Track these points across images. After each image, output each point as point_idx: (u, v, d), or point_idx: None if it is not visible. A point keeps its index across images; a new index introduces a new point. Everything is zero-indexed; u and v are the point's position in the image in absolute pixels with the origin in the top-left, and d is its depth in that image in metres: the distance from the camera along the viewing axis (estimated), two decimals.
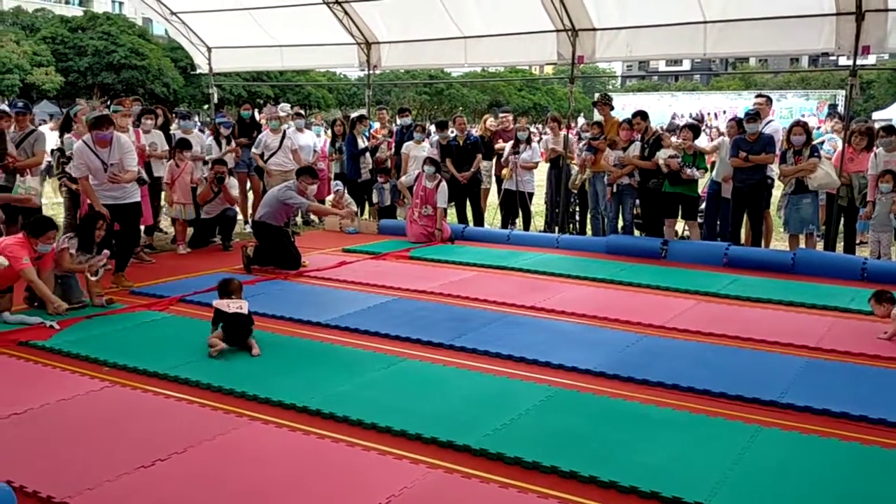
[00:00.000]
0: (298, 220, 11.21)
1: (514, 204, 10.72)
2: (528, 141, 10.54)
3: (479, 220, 10.97)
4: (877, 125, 10.27)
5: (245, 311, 5.35)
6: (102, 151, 6.98)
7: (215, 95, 14.58)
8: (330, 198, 11.11)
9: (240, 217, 10.64)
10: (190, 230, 9.37)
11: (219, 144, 10.25)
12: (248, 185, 11.05)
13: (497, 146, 10.98)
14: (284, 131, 10.63)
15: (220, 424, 3.96)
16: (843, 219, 9.19)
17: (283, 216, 8.45)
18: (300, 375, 4.71)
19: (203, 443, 3.73)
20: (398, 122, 11.86)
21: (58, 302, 5.99)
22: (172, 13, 13.13)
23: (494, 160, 11.08)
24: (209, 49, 13.74)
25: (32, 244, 5.85)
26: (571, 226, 10.87)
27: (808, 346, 5.51)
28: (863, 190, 8.69)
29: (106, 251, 6.51)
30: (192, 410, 4.17)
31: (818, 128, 11.23)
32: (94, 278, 6.31)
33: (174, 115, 11.52)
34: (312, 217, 11.35)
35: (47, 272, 6.09)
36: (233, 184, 9.35)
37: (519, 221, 10.89)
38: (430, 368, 4.94)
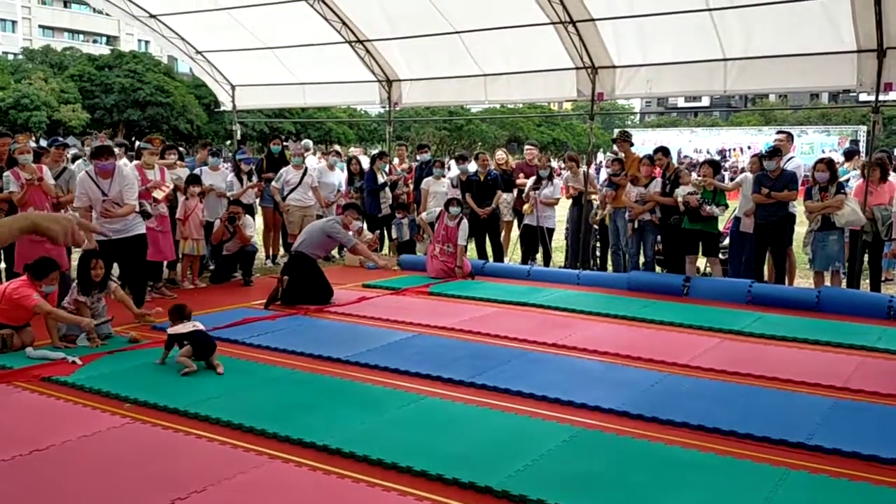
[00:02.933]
0: None
1: (535, 240, 10.72)
2: (550, 178, 10.56)
3: (498, 256, 10.96)
4: None
5: (201, 327, 5.66)
6: (104, 182, 7.06)
7: (238, 132, 14.80)
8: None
9: (261, 254, 10.72)
10: (208, 266, 9.44)
11: (240, 181, 10.35)
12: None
13: (518, 181, 11.01)
14: (306, 168, 10.73)
15: (241, 463, 3.94)
16: (868, 255, 9.09)
17: (323, 250, 8.51)
18: (321, 413, 4.68)
19: (223, 481, 3.70)
20: (417, 158, 11.95)
21: (84, 320, 6.07)
22: (198, 52, 13.40)
23: (515, 193, 11.11)
24: (233, 87, 13.99)
25: (37, 286, 5.93)
26: (592, 262, 10.84)
27: (835, 386, 5.41)
28: (886, 222, 8.60)
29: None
30: (212, 448, 4.15)
31: (841, 164, 11.13)
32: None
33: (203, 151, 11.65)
34: (333, 252, 11.40)
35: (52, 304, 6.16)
36: (248, 223, 9.40)
37: (539, 257, 10.87)
38: (450, 407, 4.89)
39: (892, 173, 9.58)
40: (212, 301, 8.20)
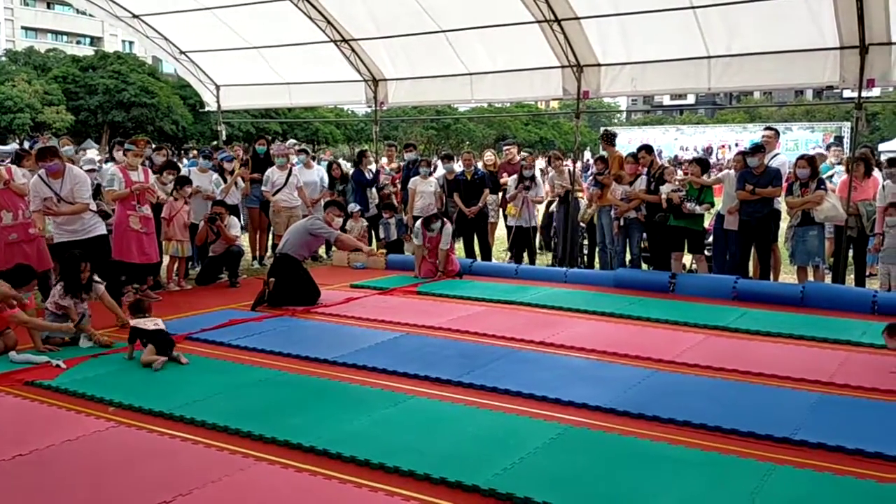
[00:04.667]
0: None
1: (521, 240, 10.71)
2: (533, 178, 10.54)
3: (486, 255, 10.96)
4: (883, 157, 10.28)
5: (162, 326, 5.85)
6: (55, 183, 7.05)
7: (224, 133, 14.73)
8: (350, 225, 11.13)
9: (247, 254, 10.68)
10: (194, 267, 9.39)
11: (224, 181, 10.32)
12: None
13: (502, 181, 11.02)
14: (291, 168, 10.70)
15: (227, 465, 3.92)
16: (852, 250, 9.15)
17: (308, 249, 8.49)
18: (308, 414, 4.66)
19: (208, 484, 3.68)
20: (404, 157, 11.94)
21: (64, 325, 6.07)
22: (182, 52, 13.33)
23: (500, 195, 11.12)
24: (218, 87, 13.92)
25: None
26: (580, 260, 10.87)
27: (820, 380, 5.44)
28: (871, 217, 8.67)
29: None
30: (198, 451, 4.13)
31: (825, 160, 11.24)
32: (90, 343, 6.20)
33: (181, 153, 11.64)
34: (320, 252, 11.37)
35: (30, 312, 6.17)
36: (233, 224, 9.36)
37: (525, 256, 10.88)
38: (438, 406, 4.89)
39: (875, 169, 9.66)
40: (198, 303, 8.16)
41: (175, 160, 10.09)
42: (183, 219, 8.94)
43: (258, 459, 4.00)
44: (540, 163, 15.89)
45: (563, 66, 10.53)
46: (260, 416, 4.58)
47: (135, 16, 12.46)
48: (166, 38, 13.03)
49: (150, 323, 5.85)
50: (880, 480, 3.80)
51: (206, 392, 5.06)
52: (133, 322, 5.86)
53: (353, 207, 11.01)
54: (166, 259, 9.14)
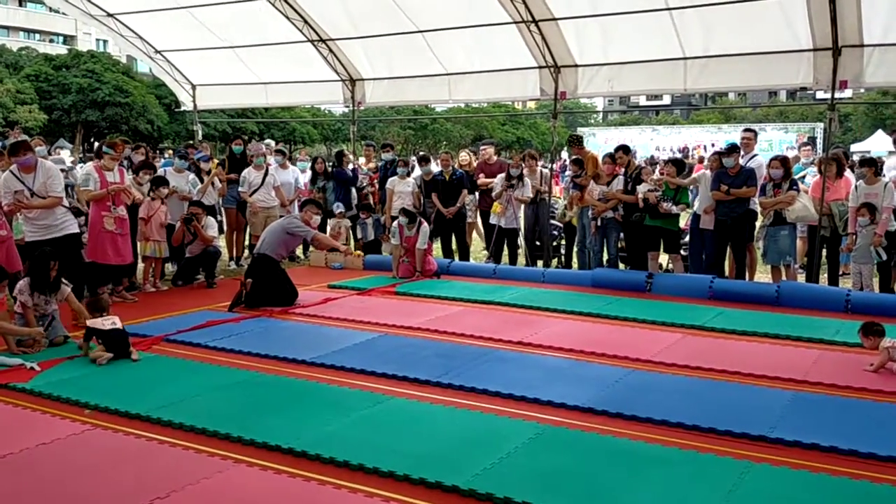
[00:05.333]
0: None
1: (504, 240, 10.73)
2: (521, 178, 10.53)
3: (464, 255, 10.97)
4: (855, 157, 10.42)
5: (119, 325, 5.91)
6: (27, 177, 7.00)
7: (200, 132, 14.61)
8: (332, 224, 11.09)
9: (224, 255, 10.61)
10: (168, 268, 9.30)
11: (201, 181, 10.23)
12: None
13: (480, 181, 11.00)
14: (267, 168, 10.64)
15: (204, 467, 3.89)
16: (825, 249, 9.27)
17: (285, 248, 8.46)
18: (286, 415, 4.64)
19: (186, 487, 3.65)
20: (382, 157, 11.91)
21: (34, 330, 6.04)
22: (157, 51, 13.22)
23: (478, 195, 11.12)
24: (193, 86, 13.82)
25: None
26: (556, 259, 10.91)
27: (795, 379, 5.50)
28: (843, 217, 8.78)
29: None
30: (175, 453, 4.09)
31: (799, 160, 11.40)
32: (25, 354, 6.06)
33: (157, 152, 11.53)
34: (297, 252, 11.31)
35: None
36: (210, 223, 9.29)
37: (505, 257, 10.90)
38: (416, 406, 4.88)
39: (847, 169, 9.79)
40: (174, 303, 8.09)
41: (152, 160, 9.95)
42: (160, 219, 8.85)
43: (236, 461, 3.97)
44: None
45: (540, 67, 10.56)
46: (238, 418, 4.55)
47: (109, 14, 12.33)
48: (141, 37, 12.90)
49: (106, 322, 5.87)
50: (855, 477, 3.85)
51: (183, 394, 5.02)
52: (89, 322, 5.88)
53: (338, 207, 10.98)
54: (142, 260, 9.04)
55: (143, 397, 4.92)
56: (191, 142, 14.13)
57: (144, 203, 8.73)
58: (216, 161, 10.94)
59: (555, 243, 11.07)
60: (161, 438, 4.29)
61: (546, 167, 11.40)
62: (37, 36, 61.11)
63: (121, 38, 12.92)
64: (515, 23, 10.02)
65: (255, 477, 3.80)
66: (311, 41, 11.70)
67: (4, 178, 7.12)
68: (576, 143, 10.73)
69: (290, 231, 8.30)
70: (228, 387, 5.24)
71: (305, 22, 11.37)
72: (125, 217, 8.13)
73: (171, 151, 10.88)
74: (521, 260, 11.19)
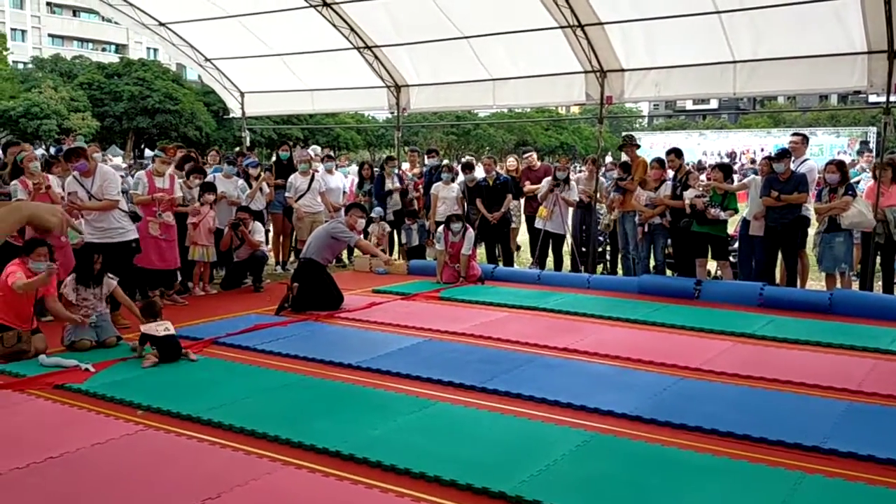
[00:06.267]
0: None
1: (547, 245, 10.68)
2: (567, 181, 10.50)
3: (508, 261, 10.94)
4: None
5: (172, 330, 5.97)
6: (86, 181, 7.21)
7: (248, 139, 14.85)
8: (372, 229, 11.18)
9: (271, 259, 10.75)
10: (217, 272, 9.46)
11: (249, 186, 10.39)
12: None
13: (526, 188, 10.97)
14: (314, 173, 10.76)
15: (253, 469, 3.94)
16: (880, 257, 9.03)
17: (331, 252, 8.57)
18: (333, 418, 4.68)
19: (235, 488, 3.71)
20: (426, 162, 11.97)
21: (74, 315, 6.22)
22: (206, 60, 13.47)
23: (523, 200, 11.09)
24: (242, 94, 14.05)
25: (25, 262, 6.01)
26: (602, 266, 10.82)
27: (849, 389, 5.37)
28: None
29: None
30: (225, 454, 4.16)
31: (855, 165, 11.15)
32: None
33: (206, 158, 11.73)
34: (343, 257, 11.42)
35: (53, 297, 6.29)
36: (257, 229, 9.43)
37: (550, 263, 10.84)
38: (462, 412, 4.88)
39: None
40: (222, 307, 8.22)
41: (202, 166, 10.13)
42: (208, 224, 9.02)
43: (285, 463, 4.02)
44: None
45: (586, 72, 10.50)
46: (286, 421, 4.61)
47: (161, 23, 12.61)
48: (192, 46, 13.17)
49: (160, 328, 5.96)
50: None
51: (232, 396, 5.09)
52: (143, 328, 5.98)
53: (378, 213, 11.07)
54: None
55: (193, 399, 5.02)
56: (238, 148, 14.37)
57: (192, 208, 8.89)
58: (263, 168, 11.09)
59: (600, 249, 10.99)
60: (211, 439, 4.37)
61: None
62: (90, 45, 62.88)
63: (171, 46, 13.21)
64: (561, 27, 9.98)
65: (302, 479, 3.85)
66: (357, 48, 11.81)
67: (67, 182, 7.42)
68: (630, 142, 10.58)
69: (335, 236, 8.38)
70: (276, 389, 5.30)
71: (352, 29, 11.49)
72: (171, 223, 8.27)
73: (217, 158, 11.01)
74: (566, 265, 11.14)
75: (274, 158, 11.47)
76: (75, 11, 62.41)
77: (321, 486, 3.77)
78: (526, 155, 11.89)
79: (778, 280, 9.04)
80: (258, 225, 9.59)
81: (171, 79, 42.76)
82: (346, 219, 8.62)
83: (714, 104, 62.34)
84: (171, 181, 8.38)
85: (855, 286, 9.02)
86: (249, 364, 5.97)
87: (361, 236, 9.24)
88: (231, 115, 15.02)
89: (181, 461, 4.06)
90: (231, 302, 8.60)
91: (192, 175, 9.21)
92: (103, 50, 61.87)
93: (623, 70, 10.34)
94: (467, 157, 17.60)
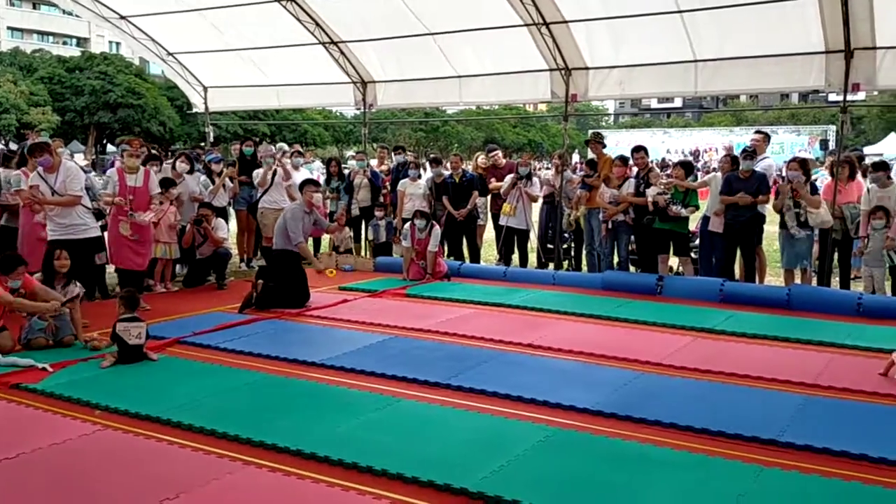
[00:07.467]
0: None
1: (512, 242, 10.73)
2: (529, 176, 10.56)
3: (475, 257, 10.97)
4: (868, 160, 10.36)
5: (143, 340, 5.86)
6: (50, 177, 7.15)
7: (211, 134, 14.68)
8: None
9: (236, 257, 10.65)
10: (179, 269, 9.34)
11: (212, 182, 10.28)
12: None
13: (491, 185, 11.01)
14: (276, 170, 10.61)
15: (214, 468, 3.91)
16: (837, 253, 9.22)
17: (302, 236, 8.45)
18: (295, 417, 4.65)
19: (195, 488, 3.67)
20: (394, 159, 11.93)
21: (46, 305, 6.05)
22: (169, 54, 13.28)
23: (490, 198, 11.13)
24: (205, 88, 13.87)
25: (3, 281, 5.91)
26: (567, 262, 10.89)
27: (805, 382, 5.48)
28: (855, 220, 8.73)
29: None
30: (185, 454, 4.11)
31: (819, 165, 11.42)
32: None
33: (168, 153, 11.61)
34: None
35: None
36: (219, 225, 9.33)
37: (515, 258, 10.89)
38: (426, 409, 4.89)
39: (858, 172, 9.73)
40: (185, 305, 8.12)
41: (159, 155, 10.02)
42: (169, 220, 8.90)
43: (246, 463, 3.98)
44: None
45: (551, 70, 10.55)
46: (248, 420, 4.57)
47: (122, 17, 12.40)
48: (154, 40, 12.96)
49: (134, 333, 5.83)
50: (866, 482, 3.82)
51: (193, 395, 5.04)
52: (119, 327, 5.81)
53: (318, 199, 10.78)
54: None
55: (154, 399, 4.95)
56: (202, 143, 14.22)
57: (153, 205, 8.74)
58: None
59: (565, 246, 11.06)
60: (171, 440, 4.31)
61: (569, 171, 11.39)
62: (50, 38, 61.58)
63: (133, 40, 12.98)
64: (526, 25, 10.01)
65: (263, 478, 3.82)
66: (323, 43, 11.72)
67: (32, 177, 7.30)
68: (597, 140, 10.64)
69: (288, 218, 8.23)
70: (239, 388, 5.26)
71: (317, 24, 11.40)
72: (145, 223, 8.08)
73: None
74: (532, 262, 11.20)
75: (237, 154, 11.33)
76: (35, 4, 61.10)
77: (282, 485, 3.75)
78: (492, 153, 11.92)
79: (737, 276, 9.18)
80: (221, 221, 9.49)
81: (133, 73, 42.10)
82: (304, 196, 8.49)
83: (678, 102, 63.04)
84: (145, 178, 8.17)
85: (813, 282, 9.19)
86: (212, 363, 5.91)
87: (325, 218, 9.18)
88: (195, 111, 14.82)
89: (139, 462, 4.01)
90: (194, 300, 8.50)
91: (148, 163, 9.00)
92: (64, 43, 60.64)
93: (588, 68, 10.40)
94: (434, 154, 17.59)
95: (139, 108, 39.92)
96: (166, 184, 8.99)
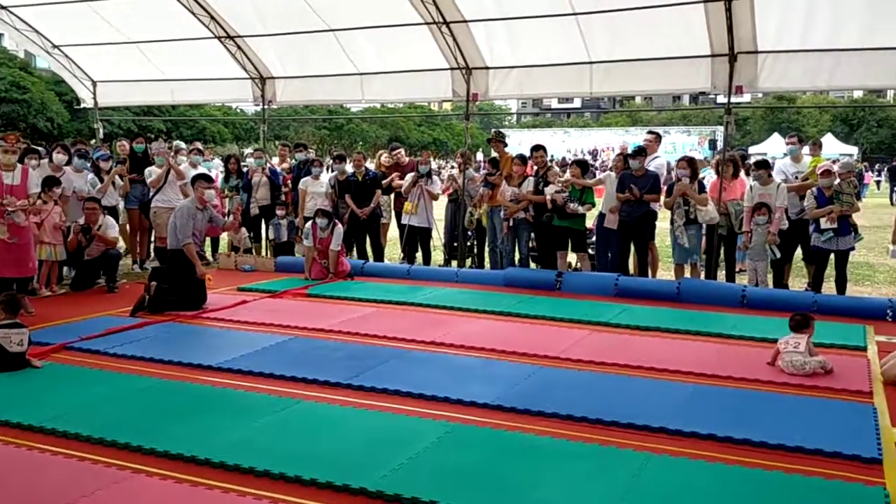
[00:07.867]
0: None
1: (415, 240, 10.75)
2: (430, 175, 10.61)
3: (378, 256, 10.93)
4: (752, 160, 10.90)
5: (25, 346, 5.56)
6: None
7: (101, 130, 14.07)
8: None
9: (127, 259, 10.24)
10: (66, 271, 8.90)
11: (101, 180, 9.85)
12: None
13: (395, 184, 10.99)
14: (169, 168, 10.26)
15: (101, 478, 3.74)
16: (723, 247, 9.66)
17: (198, 236, 8.17)
18: (189, 423, 4.51)
19: (80, 499, 3.50)
20: (295, 157, 11.74)
21: None
22: (54, 46, 12.66)
23: (393, 196, 11.11)
24: (94, 83, 13.29)
25: None
26: (470, 260, 11.00)
27: (694, 372, 5.72)
28: (739, 216, 9.16)
29: None
30: (70, 465, 3.91)
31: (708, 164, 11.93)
32: None
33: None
34: (207, 255, 11.01)
35: None
36: (109, 224, 8.94)
37: (419, 256, 10.92)
38: (326, 410, 4.83)
39: (742, 170, 10.22)
40: (72, 309, 7.74)
41: (37, 149, 9.50)
42: (54, 220, 8.45)
43: (135, 471, 3.83)
44: (433, 163, 15.96)
45: (452, 69, 10.62)
46: (138, 427, 4.40)
47: (2, 7, 11.70)
48: (37, 31, 12.31)
49: (16, 340, 5.52)
50: (748, 466, 4.02)
51: (80, 403, 4.81)
52: (0, 334, 5.49)
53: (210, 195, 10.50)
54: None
55: (36, 408, 4.69)
56: (92, 140, 13.61)
57: (36, 205, 8.29)
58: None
59: (469, 243, 11.17)
60: (54, 449, 4.10)
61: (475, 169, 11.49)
62: None
63: (15, 31, 12.28)
64: (427, 24, 10.04)
65: (154, 486, 3.68)
66: (219, 38, 11.42)
67: None
68: (499, 139, 10.78)
69: (177, 218, 7.97)
70: (129, 394, 5.05)
71: (212, 18, 11.09)
72: (23, 224, 7.62)
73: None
74: (436, 259, 11.25)
75: (124, 151, 10.89)
76: None
77: (174, 492, 3.63)
78: (395, 151, 11.91)
79: (631, 271, 9.50)
80: (110, 220, 9.09)
81: (18, 66, 39.80)
82: (195, 192, 8.22)
83: (578, 103, 64.72)
84: (23, 176, 7.73)
85: (701, 276, 9.60)
86: (100, 369, 5.65)
87: (221, 216, 8.95)
88: (84, 106, 14.15)
89: (21, 474, 3.79)
90: (82, 304, 8.11)
91: (26, 157, 8.51)
92: None
93: (487, 68, 10.53)
94: (339, 151, 17.45)
95: (24, 102, 37.72)
96: (50, 182, 8.53)
